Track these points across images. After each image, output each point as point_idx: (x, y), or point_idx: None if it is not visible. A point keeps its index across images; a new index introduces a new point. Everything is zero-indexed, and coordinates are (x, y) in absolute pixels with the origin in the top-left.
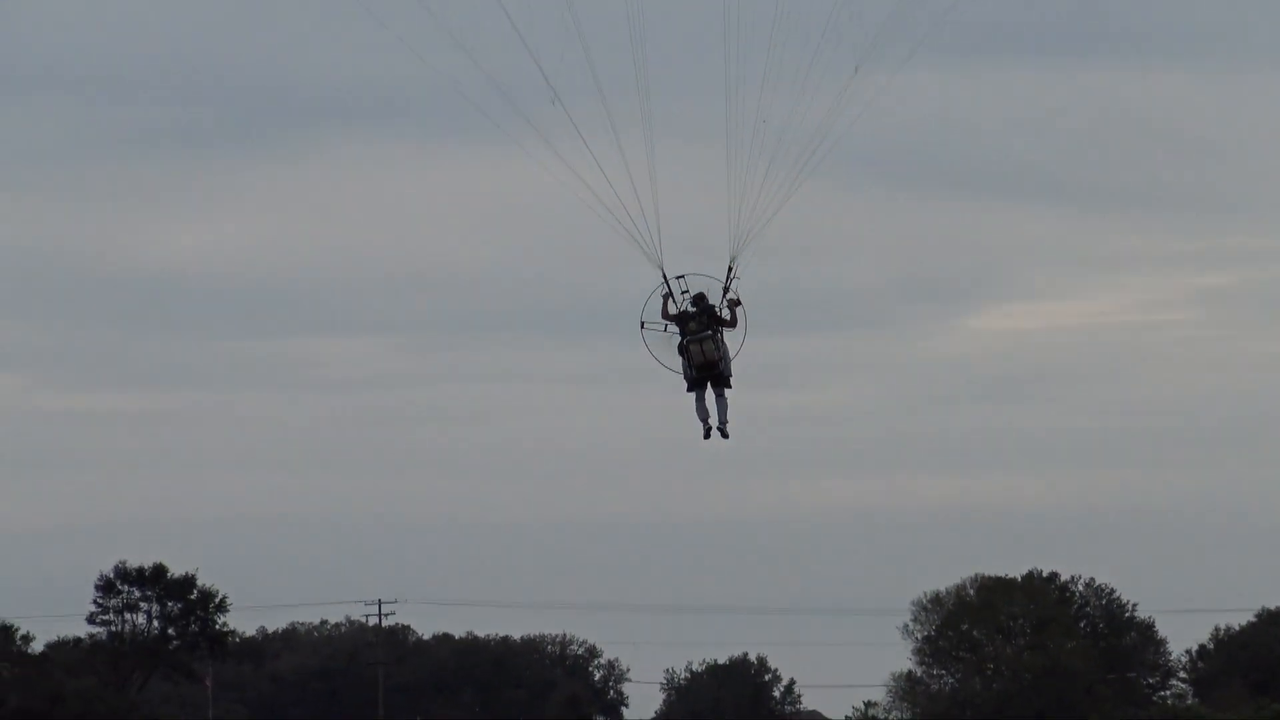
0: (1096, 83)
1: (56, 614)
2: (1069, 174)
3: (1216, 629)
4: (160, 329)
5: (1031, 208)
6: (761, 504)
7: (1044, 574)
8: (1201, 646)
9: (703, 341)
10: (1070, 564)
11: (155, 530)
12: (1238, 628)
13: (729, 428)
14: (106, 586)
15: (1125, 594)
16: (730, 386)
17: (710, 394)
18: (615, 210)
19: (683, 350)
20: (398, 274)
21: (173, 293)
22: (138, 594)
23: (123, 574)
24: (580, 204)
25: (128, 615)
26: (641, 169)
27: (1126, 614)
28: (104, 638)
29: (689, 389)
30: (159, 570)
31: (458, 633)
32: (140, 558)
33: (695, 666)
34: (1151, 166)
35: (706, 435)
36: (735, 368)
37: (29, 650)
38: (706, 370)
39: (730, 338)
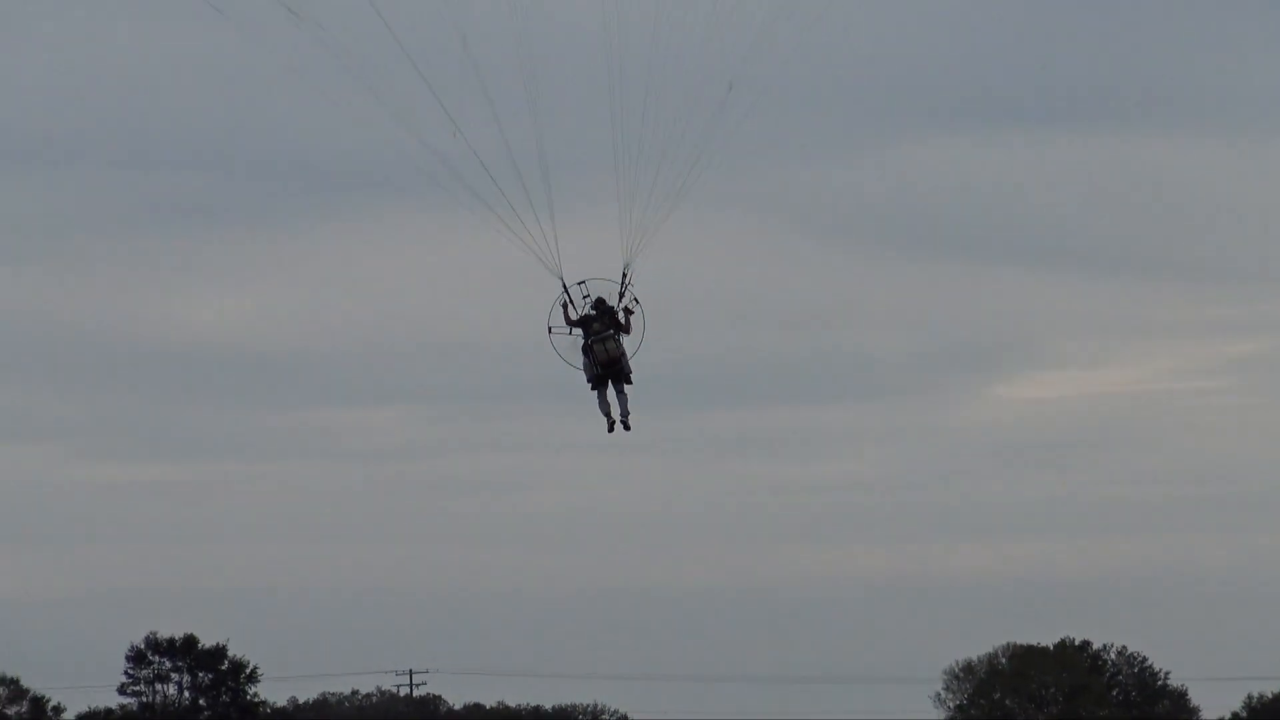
0: (1129, 150)
1: (88, 685)
2: (1101, 241)
3: (1249, 697)
4: (189, 399)
5: (1063, 275)
6: (793, 572)
7: (1076, 642)
8: (1234, 715)
9: (605, 341)
10: (1102, 632)
11: (186, 601)
12: (1270, 696)
13: (630, 419)
14: (137, 657)
15: (1157, 662)
16: (630, 383)
17: (612, 391)
18: (514, 225)
19: (587, 350)
20: (426, 343)
21: (202, 363)
22: (169, 665)
23: (154, 645)
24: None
25: (159, 686)
26: (539, 185)
27: (1159, 682)
28: (135, 708)
29: (592, 388)
30: (190, 641)
31: (489, 702)
32: (171, 628)
33: None
34: (1184, 234)
35: (610, 429)
36: (635, 364)
37: None
38: (610, 367)
39: (628, 341)
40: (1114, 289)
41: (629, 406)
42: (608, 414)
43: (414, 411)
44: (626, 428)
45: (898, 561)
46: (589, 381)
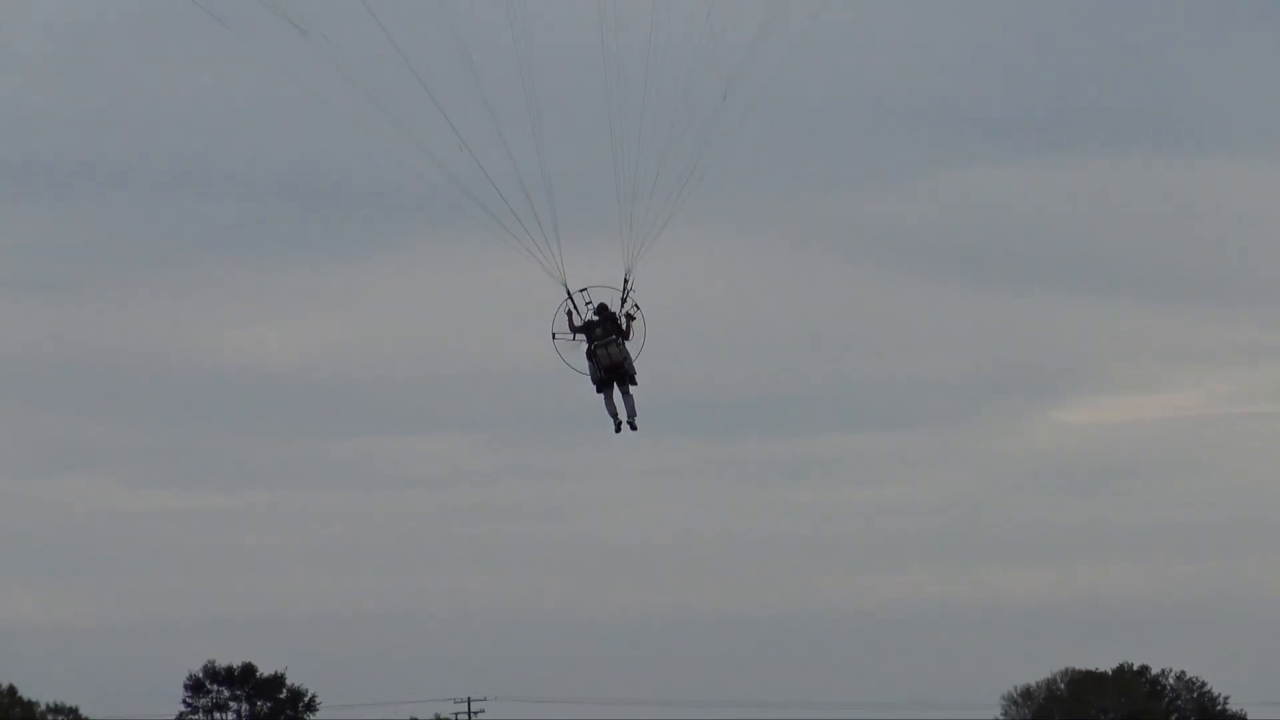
0: (1181, 173)
1: (146, 714)
2: (1156, 266)
3: None
4: (244, 427)
5: (1117, 300)
6: (848, 598)
7: (1135, 667)
8: None
9: (608, 346)
10: (1161, 657)
11: (244, 629)
12: None
13: (637, 420)
14: (196, 686)
15: (1216, 687)
16: (635, 383)
17: (618, 393)
18: (519, 234)
19: (590, 355)
20: (479, 371)
21: (256, 391)
22: (227, 693)
23: (212, 673)
24: (678, 298)
25: (217, 714)
26: (542, 196)
27: (1218, 707)
28: None
29: (597, 390)
30: (248, 669)
31: None
32: (229, 657)
33: None
34: (1237, 257)
35: (617, 429)
36: (639, 366)
37: None
38: (613, 371)
39: (630, 344)
40: (1169, 313)
41: (635, 407)
42: (614, 415)
43: (466, 439)
44: (633, 428)
45: (954, 587)
46: (594, 384)
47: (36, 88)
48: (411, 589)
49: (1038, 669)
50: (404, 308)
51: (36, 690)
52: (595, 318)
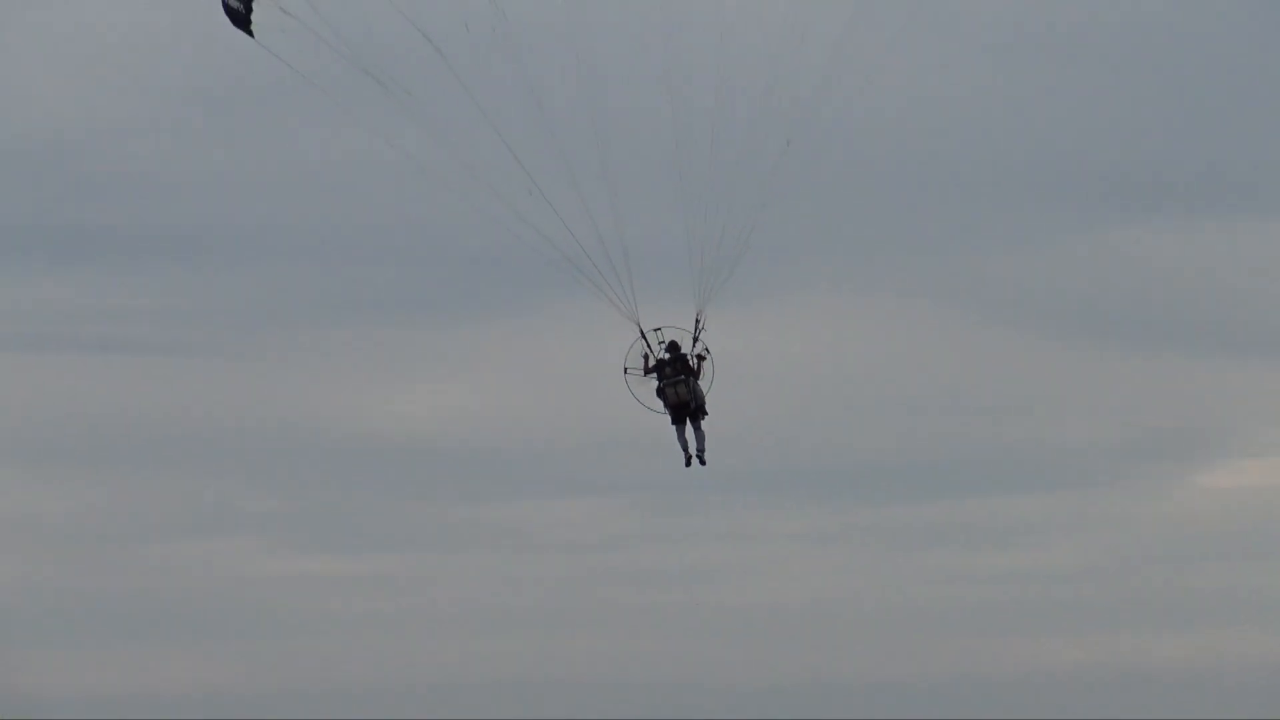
0: None
1: None
2: None
3: None
4: (385, 493)
5: (1264, 361)
6: (992, 664)
7: None
8: None
9: (676, 385)
10: None
11: (390, 695)
12: None
13: (706, 454)
14: None
15: None
16: (706, 413)
17: (690, 427)
18: (590, 273)
19: (660, 393)
20: (628, 435)
21: (398, 457)
22: None
23: None
24: (819, 364)
25: None
26: (613, 233)
27: None
28: None
29: (672, 422)
30: None
31: None
32: None
33: None
34: None
35: (687, 463)
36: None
37: None
38: (680, 410)
39: (701, 382)
40: None
41: (705, 443)
42: (685, 448)
43: (609, 502)
44: (702, 463)
45: (1100, 653)
46: (670, 417)
47: (167, 153)
48: (561, 653)
49: None
50: (554, 371)
51: None
52: (666, 355)
